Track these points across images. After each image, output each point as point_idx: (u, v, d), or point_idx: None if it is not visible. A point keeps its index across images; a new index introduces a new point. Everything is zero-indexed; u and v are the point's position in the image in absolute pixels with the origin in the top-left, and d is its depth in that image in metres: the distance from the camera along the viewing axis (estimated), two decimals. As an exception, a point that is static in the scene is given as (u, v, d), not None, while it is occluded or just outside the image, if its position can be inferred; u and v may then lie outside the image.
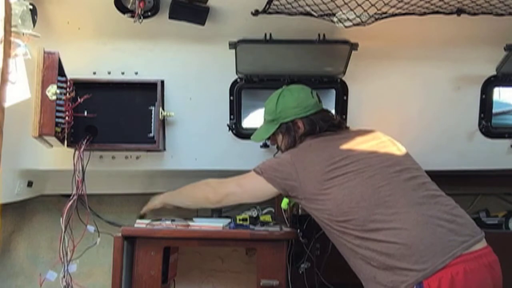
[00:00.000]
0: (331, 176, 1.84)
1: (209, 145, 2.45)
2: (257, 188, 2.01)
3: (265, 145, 2.42)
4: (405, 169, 1.87)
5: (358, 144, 1.96)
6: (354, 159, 1.87)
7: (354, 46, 2.23)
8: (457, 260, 1.68)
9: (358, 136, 2.01)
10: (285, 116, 2.09)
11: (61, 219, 1.99)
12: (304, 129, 2.06)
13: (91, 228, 2.09)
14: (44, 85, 1.99)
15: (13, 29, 1.53)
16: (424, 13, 2.01)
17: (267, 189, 1.98)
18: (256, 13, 2.07)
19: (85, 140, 2.18)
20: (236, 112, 2.43)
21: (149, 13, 2.10)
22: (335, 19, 1.99)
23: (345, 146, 1.95)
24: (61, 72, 2.08)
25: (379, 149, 1.95)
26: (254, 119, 2.56)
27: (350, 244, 1.79)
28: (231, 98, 2.41)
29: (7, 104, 1.25)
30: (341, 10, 1.94)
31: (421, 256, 1.68)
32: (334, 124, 2.08)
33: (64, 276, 1.99)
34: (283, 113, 2.10)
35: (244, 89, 2.43)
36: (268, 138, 2.21)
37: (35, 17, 1.95)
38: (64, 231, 1.99)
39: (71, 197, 2.06)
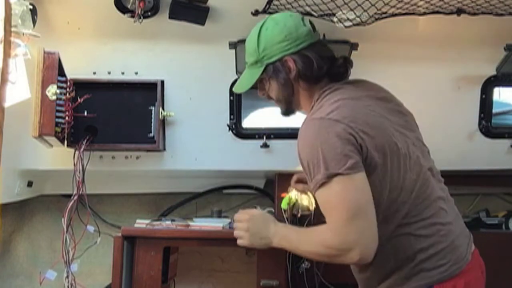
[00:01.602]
0: None
1: (209, 145, 2.45)
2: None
3: (265, 145, 2.42)
4: None
5: None
6: None
7: (354, 46, 2.23)
8: (469, 265, 1.55)
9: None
10: (271, 55, 1.64)
11: (62, 219, 1.99)
12: (296, 68, 1.63)
13: (91, 228, 2.09)
14: (44, 85, 2.00)
15: (13, 29, 1.53)
16: (424, 13, 2.01)
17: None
18: (256, 13, 2.07)
19: (85, 140, 2.18)
20: (236, 112, 2.43)
21: (149, 13, 2.10)
22: (335, 19, 1.99)
23: None
24: (61, 72, 2.08)
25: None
26: (254, 119, 2.56)
27: None
28: (231, 98, 2.41)
29: (7, 104, 1.25)
30: (341, 10, 1.94)
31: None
32: (337, 65, 1.67)
33: (67, 276, 1.99)
34: (268, 51, 1.64)
35: (244, 89, 2.42)
36: (255, 89, 1.75)
37: (35, 17, 1.95)
38: (66, 232, 1.99)
39: (72, 197, 2.06)
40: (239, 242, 1.74)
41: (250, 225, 1.70)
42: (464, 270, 1.54)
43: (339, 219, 1.45)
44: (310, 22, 1.69)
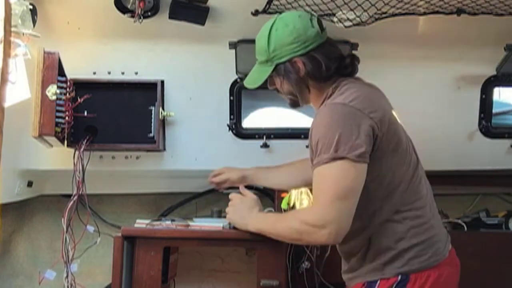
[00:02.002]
0: None
1: (209, 145, 2.45)
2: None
3: (265, 145, 2.42)
4: None
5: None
6: None
7: (354, 46, 2.23)
8: (445, 260, 1.65)
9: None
10: (281, 55, 1.71)
11: (62, 219, 1.99)
12: (305, 69, 1.70)
13: (90, 228, 2.09)
14: (44, 85, 1.99)
15: (13, 29, 1.53)
16: (424, 13, 2.02)
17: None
18: (256, 13, 2.07)
19: (85, 140, 2.18)
20: (236, 112, 2.43)
21: (149, 13, 2.10)
22: (335, 19, 1.99)
23: None
24: (61, 72, 2.08)
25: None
26: (254, 119, 2.56)
27: None
28: (231, 98, 2.41)
29: (7, 104, 1.24)
30: (341, 10, 1.94)
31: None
32: (345, 64, 1.72)
33: (67, 276, 1.98)
34: (278, 52, 1.71)
35: (244, 89, 2.42)
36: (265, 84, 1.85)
37: (35, 17, 1.95)
38: (66, 232, 1.99)
39: (72, 197, 2.06)
40: (226, 216, 1.90)
41: (238, 203, 1.87)
42: (440, 264, 1.63)
43: (326, 197, 1.54)
44: (319, 22, 1.74)
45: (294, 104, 1.82)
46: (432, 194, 1.77)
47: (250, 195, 1.87)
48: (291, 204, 2.28)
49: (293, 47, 1.69)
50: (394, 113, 1.77)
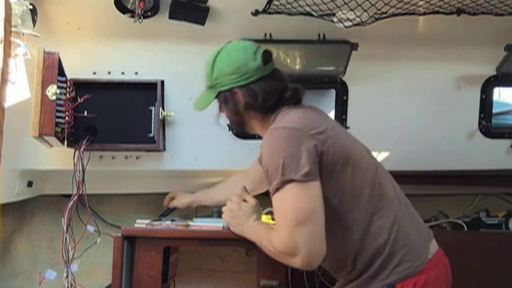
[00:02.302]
0: None
1: (209, 145, 2.44)
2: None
3: (265, 145, 2.42)
4: None
5: None
6: None
7: (354, 46, 2.23)
8: (430, 263, 1.62)
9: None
10: (223, 84, 1.72)
11: (62, 219, 1.99)
12: (244, 100, 1.70)
13: (90, 228, 2.09)
14: (44, 85, 1.99)
15: (13, 29, 1.53)
16: (424, 13, 2.02)
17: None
18: (256, 13, 2.07)
19: (85, 140, 2.18)
20: (236, 112, 2.43)
21: (149, 13, 2.10)
22: (335, 19, 1.99)
23: None
24: (61, 72, 2.08)
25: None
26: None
27: None
28: (231, 98, 2.41)
29: (7, 104, 1.25)
30: (341, 10, 1.94)
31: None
32: (285, 98, 1.71)
33: (67, 276, 1.98)
34: (220, 80, 1.72)
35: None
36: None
37: (35, 17, 1.95)
38: (66, 232, 1.99)
39: (72, 197, 2.06)
40: (223, 216, 1.89)
41: (237, 208, 1.83)
42: (424, 268, 1.59)
43: (285, 224, 1.50)
44: (265, 54, 1.72)
45: (238, 132, 1.85)
46: (402, 193, 1.74)
47: (250, 201, 1.85)
48: None
49: (233, 78, 1.70)
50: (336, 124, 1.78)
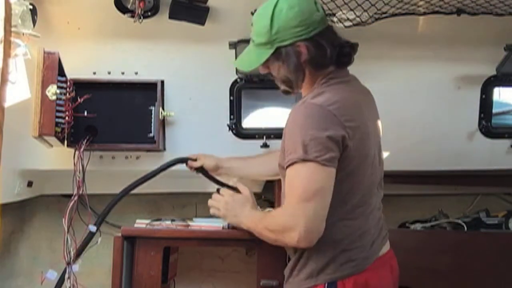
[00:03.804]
0: None
1: (209, 145, 2.44)
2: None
3: (265, 145, 2.42)
4: None
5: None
6: None
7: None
8: (374, 264, 1.62)
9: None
10: (284, 38, 1.61)
11: (63, 219, 1.98)
12: (309, 55, 1.61)
13: (92, 228, 2.08)
14: (44, 85, 1.99)
15: (13, 29, 1.53)
16: (424, 13, 2.02)
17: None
18: (256, 13, 2.07)
19: (85, 140, 2.18)
20: (236, 112, 2.43)
21: (149, 13, 2.10)
22: (335, 19, 1.99)
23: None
24: (61, 72, 2.08)
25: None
26: (254, 119, 2.56)
27: None
28: (231, 98, 2.41)
29: (7, 104, 1.25)
30: (341, 10, 1.94)
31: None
32: (343, 53, 1.66)
33: (69, 277, 1.98)
34: (281, 34, 1.60)
35: (244, 89, 2.42)
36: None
37: (35, 17, 1.96)
38: (67, 232, 1.98)
39: (72, 197, 2.05)
40: (212, 211, 1.86)
41: (230, 201, 1.82)
42: (368, 268, 1.60)
43: (294, 198, 1.51)
44: (321, 6, 1.67)
45: (286, 92, 1.73)
46: (380, 197, 1.74)
47: (244, 191, 1.84)
48: None
49: (297, 31, 1.59)
50: (378, 122, 1.75)
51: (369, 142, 1.63)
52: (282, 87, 1.72)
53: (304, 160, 1.48)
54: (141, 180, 2.06)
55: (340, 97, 1.58)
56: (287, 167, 1.53)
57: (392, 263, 1.72)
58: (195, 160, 2.11)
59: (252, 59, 1.67)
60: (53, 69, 2.02)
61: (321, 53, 1.61)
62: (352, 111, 1.57)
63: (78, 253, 1.99)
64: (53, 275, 2.02)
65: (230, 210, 1.81)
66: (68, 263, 1.98)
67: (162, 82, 2.32)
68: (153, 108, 2.30)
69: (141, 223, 2.12)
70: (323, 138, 1.48)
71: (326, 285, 1.57)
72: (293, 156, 1.50)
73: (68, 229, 1.98)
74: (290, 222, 1.50)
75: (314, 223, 1.49)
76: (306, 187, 1.49)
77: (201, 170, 2.10)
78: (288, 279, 1.68)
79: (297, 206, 1.49)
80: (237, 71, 2.34)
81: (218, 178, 2.07)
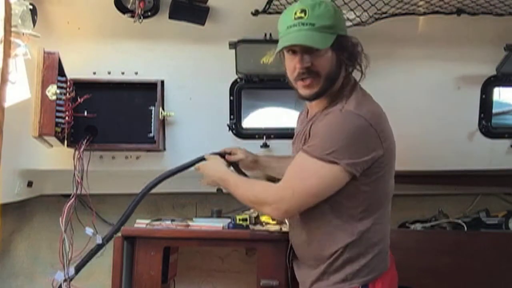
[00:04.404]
0: None
1: (209, 145, 2.43)
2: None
3: (265, 145, 2.42)
4: None
5: None
6: None
7: (354, 46, 2.22)
8: (391, 262, 1.72)
9: None
10: (341, 27, 1.57)
11: (60, 219, 1.97)
12: (356, 50, 1.63)
13: (89, 230, 2.06)
14: (44, 85, 2.00)
15: (13, 29, 1.53)
16: (424, 13, 2.02)
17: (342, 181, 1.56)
18: (256, 13, 2.07)
19: (85, 140, 2.18)
20: (236, 112, 2.43)
21: (149, 13, 2.10)
22: (335, 19, 1.98)
23: None
24: (61, 72, 2.08)
25: None
26: (254, 119, 2.56)
27: None
28: (231, 98, 2.41)
29: (7, 104, 1.25)
30: (341, 10, 1.94)
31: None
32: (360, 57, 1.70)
33: (65, 280, 1.97)
34: (339, 22, 1.57)
35: (244, 89, 2.42)
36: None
37: (35, 17, 1.96)
38: (64, 231, 1.97)
39: (70, 197, 2.05)
40: (202, 181, 1.96)
41: (214, 160, 1.97)
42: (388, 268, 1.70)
43: (292, 184, 1.58)
44: None
45: (318, 94, 1.62)
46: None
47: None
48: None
49: (343, 26, 1.60)
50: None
51: (394, 154, 1.70)
52: (320, 86, 1.60)
53: (326, 160, 1.51)
54: (175, 170, 2.12)
55: (374, 108, 1.62)
56: (305, 153, 1.55)
57: (393, 257, 1.79)
58: (230, 153, 2.09)
59: (319, 40, 1.53)
60: (53, 69, 2.02)
61: (359, 52, 1.65)
62: (386, 128, 1.63)
63: (83, 264, 1.98)
64: (61, 276, 2.02)
65: (210, 166, 1.92)
66: (67, 264, 1.97)
67: (162, 82, 2.32)
68: (153, 108, 2.30)
69: (141, 223, 2.12)
70: (357, 150, 1.53)
71: (360, 287, 1.62)
72: (317, 150, 1.52)
73: (65, 230, 1.97)
74: (275, 200, 1.60)
75: (297, 209, 1.60)
76: (319, 186, 1.55)
77: (236, 164, 2.09)
78: (314, 284, 1.70)
79: (299, 196, 1.57)
80: (237, 71, 2.34)
81: (247, 173, 2.10)
